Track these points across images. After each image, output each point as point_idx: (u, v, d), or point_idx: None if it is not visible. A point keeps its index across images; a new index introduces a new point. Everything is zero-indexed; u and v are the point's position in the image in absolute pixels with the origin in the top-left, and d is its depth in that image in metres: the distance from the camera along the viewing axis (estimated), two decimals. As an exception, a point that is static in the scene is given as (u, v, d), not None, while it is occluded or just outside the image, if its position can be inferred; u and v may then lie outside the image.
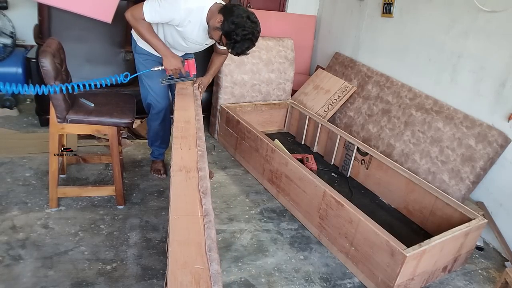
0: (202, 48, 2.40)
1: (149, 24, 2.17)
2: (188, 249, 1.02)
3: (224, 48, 2.37)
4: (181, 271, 0.94)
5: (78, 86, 1.89)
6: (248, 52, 2.09)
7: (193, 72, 2.25)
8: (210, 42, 2.33)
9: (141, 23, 2.13)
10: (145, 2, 2.09)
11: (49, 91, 1.81)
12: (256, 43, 2.07)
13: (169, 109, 2.66)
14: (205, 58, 3.57)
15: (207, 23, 2.12)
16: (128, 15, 2.14)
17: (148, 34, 2.18)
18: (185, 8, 2.05)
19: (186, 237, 1.06)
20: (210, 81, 2.54)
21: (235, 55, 2.11)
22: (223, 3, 2.15)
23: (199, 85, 2.42)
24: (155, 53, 2.39)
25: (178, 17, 2.07)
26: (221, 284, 0.92)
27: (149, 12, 2.08)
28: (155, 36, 2.21)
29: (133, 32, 2.46)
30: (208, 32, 2.15)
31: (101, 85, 1.98)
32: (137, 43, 2.43)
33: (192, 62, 2.23)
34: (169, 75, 2.27)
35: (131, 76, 2.08)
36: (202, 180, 1.34)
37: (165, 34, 2.30)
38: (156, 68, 2.26)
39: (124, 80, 2.01)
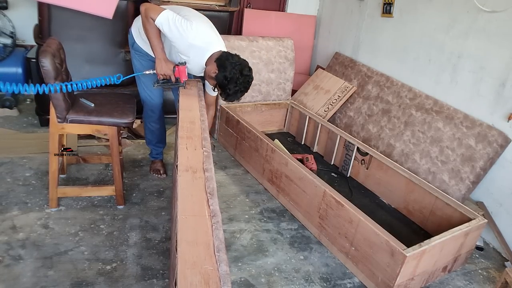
0: (192, 76, 2.48)
1: (156, 29, 2.18)
2: (197, 250, 1.02)
3: (214, 94, 2.48)
4: (191, 271, 0.95)
5: (66, 86, 1.86)
6: (240, 99, 2.23)
7: (184, 78, 2.24)
8: (200, 75, 2.38)
9: (150, 21, 2.14)
10: (167, 10, 2.09)
11: (38, 90, 1.79)
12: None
13: (163, 108, 2.69)
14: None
15: (206, 65, 2.19)
16: (144, 9, 2.12)
17: (153, 34, 2.17)
18: (189, 44, 2.10)
19: (194, 238, 1.06)
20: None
21: (226, 101, 2.28)
22: (224, 50, 2.20)
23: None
24: (152, 53, 2.40)
25: (182, 46, 2.13)
26: (230, 285, 0.92)
27: (163, 21, 2.06)
28: (158, 38, 2.21)
29: (132, 29, 2.46)
30: (204, 75, 2.24)
31: (101, 85, 1.98)
32: (135, 41, 2.43)
33: (183, 68, 2.22)
34: (162, 79, 2.27)
35: (124, 78, 2.07)
36: (209, 180, 1.35)
37: (165, 44, 2.31)
38: (147, 72, 2.26)
39: (117, 81, 2.01)
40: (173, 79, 2.24)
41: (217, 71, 2.09)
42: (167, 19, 2.06)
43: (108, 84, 1.99)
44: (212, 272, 0.95)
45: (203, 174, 1.39)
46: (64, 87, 1.86)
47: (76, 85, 1.88)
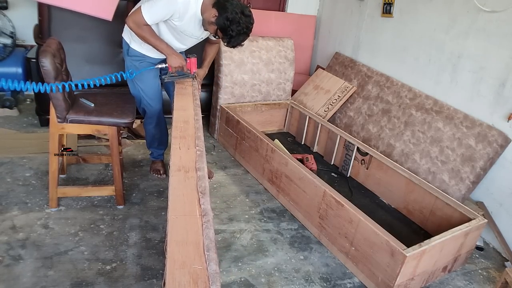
0: (197, 41, 2.43)
1: (151, 28, 2.19)
2: (186, 249, 1.01)
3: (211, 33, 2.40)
4: (179, 271, 0.94)
5: (83, 85, 1.91)
6: (243, 43, 2.17)
7: (194, 69, 2.33)
8: (205, 34, 2.38)
9: (143, 28, 2.15)
10: (142, 7, 2.10)
11: (55, 87, 1.84)
12: (250, 35, 2.17)
13: (163, 112, 2.67)
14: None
15: (201, 15, 2.16)
16: (130, 22, 2.15)
17: (152, 38, 2.20)
18: (182, 1, 2.08)
19: (184, 237, 1.06)
20: (206, 72, 2.57)
21: (230, 47, 2.20)
22: None
23: (195, 77, 2.44)
24: (150, 54, 2.41)
25: (177, 11, 2.10)
26: (219, 284, 0.92)
27: (149, 15, 2.10)
28: (158, 39, 2.23)
29: (124, 35, 2.45)
30: (203, 25, 2.21)
31: (101, 84, 2.00)
32: (130, 46, 2.41)
33: (194, 60, 2.32)
34: (171, 73, 2.31)
35: (136, 73, 2.21)
36: (201, 180, 1.34)
37: (161, 34, 2.31)
38: (159, 66, 2.32)
39: (130, 77, 2.15)
40: (185, 69, 2.29)
41: (217, 15, 2.06)
42: (149, 9, 2.09)
43: (119, 81, 2.06)
44: (201, 272, 0.94)
45: (195, 174, 1.38)
46: (84, 84, 1.93)
47: (93, 81, 1.97)
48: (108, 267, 1.95)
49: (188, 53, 2.64)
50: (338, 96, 3.61)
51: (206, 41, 2.56)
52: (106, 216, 2.31)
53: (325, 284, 2.08)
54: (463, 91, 2.82)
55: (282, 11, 4.42)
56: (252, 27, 2.13)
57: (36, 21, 3.14)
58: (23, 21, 3.44)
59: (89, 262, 1.96)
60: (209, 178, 2.75)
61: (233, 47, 2.17)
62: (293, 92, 3.93)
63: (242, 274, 2.05)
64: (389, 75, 3.41)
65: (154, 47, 2.25)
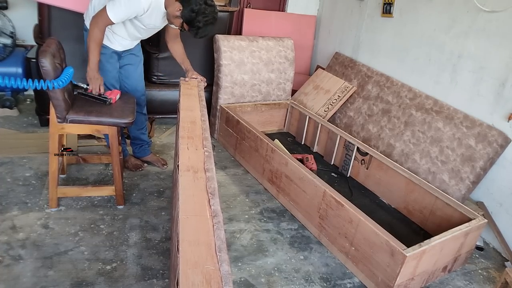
0: (159, 29, 2.43)
1: (102, 35, 2.19)
2: (198, 249, 1.02)
3: (176, 27, 2.39)
4: (192, 271, 0.95)
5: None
6: (208, 34, 2.22)
7: (112, 96, 2.29)
8: (166, 23, 2.38)
9: (96, 32, 2.13)
10: (107, 7, 2.10)
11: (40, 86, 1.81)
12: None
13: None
14: (203, 57, 3.58)
15: (165, 8, 2.18)
16: (92, 20, 2.14)
17: (93, 44, 2.17)
18: (145, 0, 2.09)
19: (196, 238, 1.07)
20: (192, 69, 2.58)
21: (198, 38, 2.22)
22: None
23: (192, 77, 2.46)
24: (113, 46, 2.39)
25: (141, 10, 2.12)
26: (231, 284, 0.92)
27: (114, 14, 2.10)
28: (97, 49, 2.20)
29: (86, 23, 2.37)
30: (168, 19, 2.23)
31: None
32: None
33: (117, 92, 2.34)
34: (89, 92, 2.28)
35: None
36: (210, 181, 1.35)
37: (126, 25, 2.32)
38: (81, 84, 2.29)
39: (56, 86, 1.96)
40: (101, 90, 2.27)
41: (181, 8, 2.09)
42: (114, 8, 2.08)
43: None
44: (214, 272, 0.95)
45: (204, 174, 1.39)
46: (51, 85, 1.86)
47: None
48: (108, 267, 1.95)
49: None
50: (338, 96, 3.61)
51: (166, 37, 2.54)
52: (106, 216, 2.31)
53: (325, 284, 2.08)
54: (463, 91, 2.82)
55: (282, 11, 4.42)
56: (217, 17, 2.16)
57: (36, 21, 3.14)
58: (23, 21, 3.44)
59: (89, 262, 1.96)
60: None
61: (201, 37, 2.20)
62: (293, 92, 3.93)
63: (242, 274, 2.05)
64: (389, 75, 3.41)
65: (88, 50, 2.20)
